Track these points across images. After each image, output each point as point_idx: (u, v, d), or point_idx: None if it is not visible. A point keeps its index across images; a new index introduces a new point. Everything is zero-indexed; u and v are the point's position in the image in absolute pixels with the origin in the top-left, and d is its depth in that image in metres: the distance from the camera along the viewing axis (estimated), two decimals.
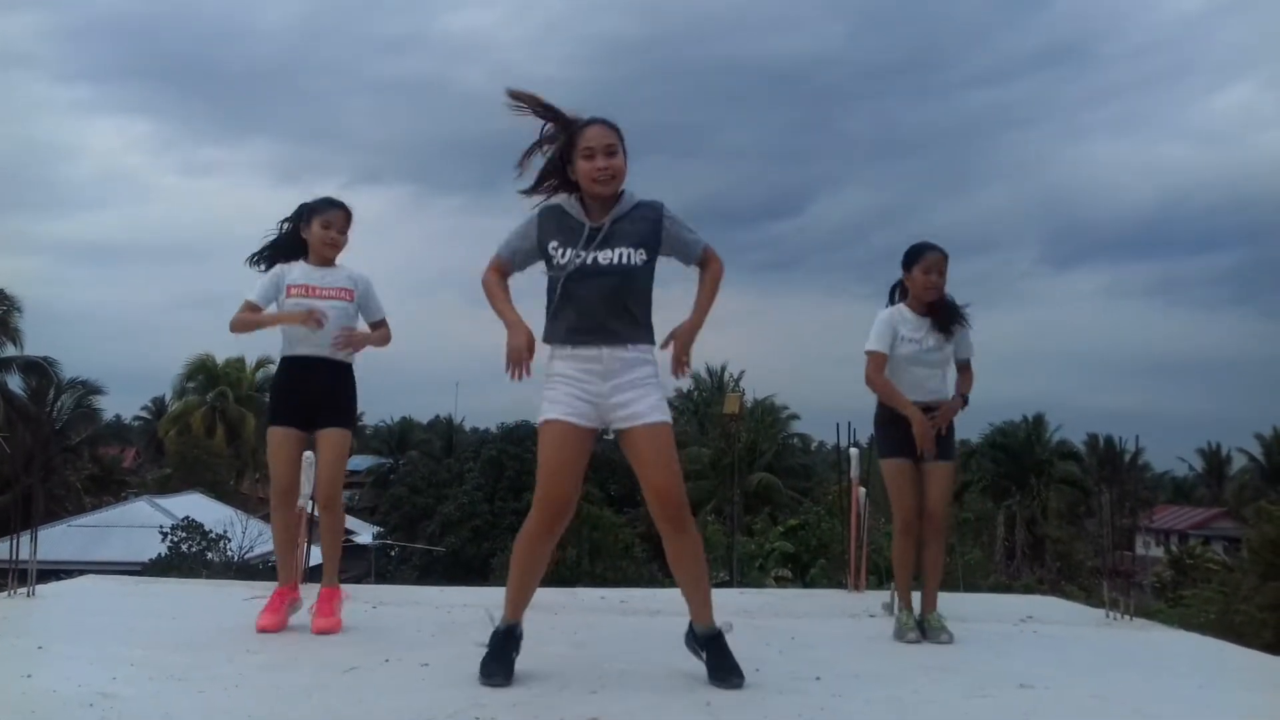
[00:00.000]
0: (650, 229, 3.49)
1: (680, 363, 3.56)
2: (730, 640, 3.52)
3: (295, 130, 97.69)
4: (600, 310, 3.42)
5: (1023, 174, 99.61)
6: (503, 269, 3.60)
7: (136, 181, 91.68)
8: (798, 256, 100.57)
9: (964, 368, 4.81)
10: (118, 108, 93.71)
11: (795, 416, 42.48)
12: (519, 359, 3.41)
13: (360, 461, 54.95)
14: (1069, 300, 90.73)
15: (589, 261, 3.42)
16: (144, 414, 47.94)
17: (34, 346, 29.49)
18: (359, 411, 4.77)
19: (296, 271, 4.50)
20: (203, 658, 3.75)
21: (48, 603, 5.04)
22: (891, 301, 4.82)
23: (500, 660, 3.45)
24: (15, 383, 29.29)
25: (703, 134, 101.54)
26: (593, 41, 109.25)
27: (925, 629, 4.60)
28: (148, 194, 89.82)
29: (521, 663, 3.60)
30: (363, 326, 4.60)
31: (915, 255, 4.65)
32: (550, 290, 3.53)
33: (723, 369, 41.20)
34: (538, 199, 3.59)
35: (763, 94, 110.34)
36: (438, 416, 51.60)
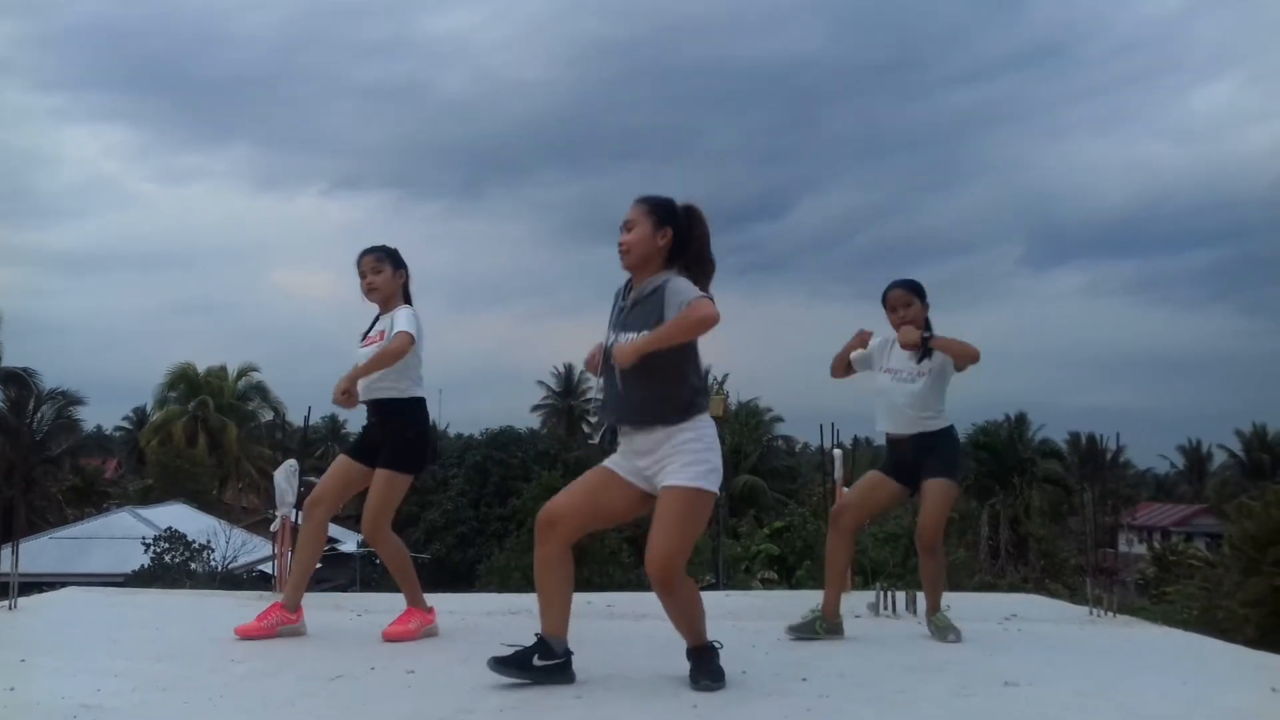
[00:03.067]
0: (656, 307, 3.44)
1: (622, 354, 3.40)
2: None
3: (275, 136, 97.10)
4: (621, 392, 3.47)
5: (1005, 174, 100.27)
6: None
7: (115, 189, 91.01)
8: (781, 258, 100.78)
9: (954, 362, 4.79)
10: (95, 115, 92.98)
11: (779, 419, 42.67)
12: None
13: None
14: (1050, 299, 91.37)
15: (610, 344, 3.52)
16: (125, 424, 47.67)
17: (13, 358, 29.35)
18: (425, 446, 4.63)
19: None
20: (187, 668, 3.73)
21: (30, 615, 5.00)
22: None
23: (508, 665, 3.49)
24: None
25: (685, 137, 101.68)
26: (574, 43, 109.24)
27: (932, 629, 4.66)
28: (126, 202, 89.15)
29: None
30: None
31: (883, 299, 4.80)
32: None
33: (706, 372, 41.26)
34: None
35: (745, 96, 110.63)
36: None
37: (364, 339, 4.60)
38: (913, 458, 4.68)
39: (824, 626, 4.61)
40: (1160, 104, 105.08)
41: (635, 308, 3.50)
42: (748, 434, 35.42)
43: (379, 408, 4.50)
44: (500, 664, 3.44)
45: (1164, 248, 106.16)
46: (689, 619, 3.54)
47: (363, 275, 4.57)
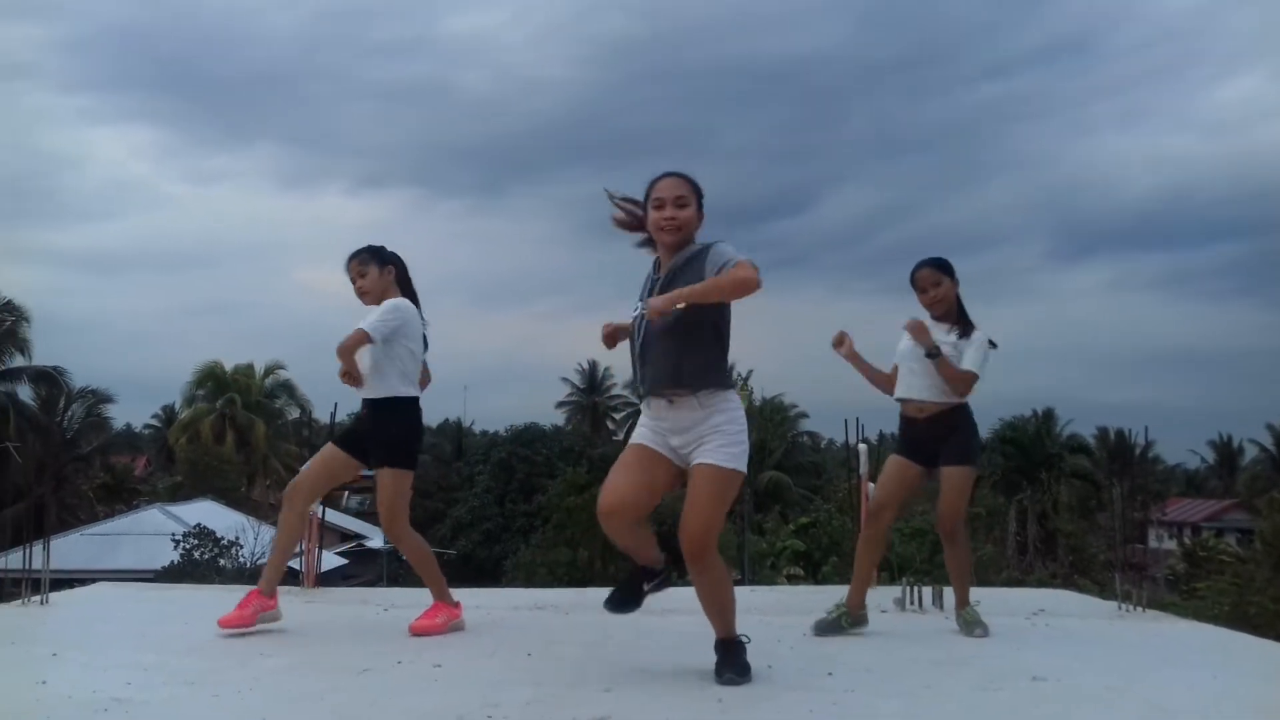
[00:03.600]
0: (698, 272, 3.43)
1: (658, 302, 3.41)
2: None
3: (299, 136, 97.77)
4: (659, 359, 3.48)
5: (1029, 169, 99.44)
6: None
7: (142, 190, 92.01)
8: (803, 255, 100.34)
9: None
10: (121, 116, 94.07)
11: (804, 415, 42.48)
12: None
13: None
14: (1076, 294, 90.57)
15: (643, 315, 3.49)
16: (154, 422, 48.07)
17: (43, 356, 29.55)
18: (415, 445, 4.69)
19: None
20: (216, 662, 3.77)
21: (61, 610, 5.06)
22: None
23: (618, 593, 3.80)
24: (25, 393, 29.34)
25: (705, 134, 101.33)
26: (594, 42, 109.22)
27: (960, 624, 4.64)
28: (153, 202, 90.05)
29: (533, 662, 3.60)
30: (383, 354, 4.48)
31: (910, 280, 4.76)
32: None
33: (731, 368, 41.20)
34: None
35: (765, 93, 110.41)
36: (446, 420, 51.53)
37: None
38: (930, 436, 4.64)
39: (849, 620, 4.60)
40: (1186, 97, 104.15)
41: (677, 273, 3.48)
42: (772, 430, 35.30)
43: (370, 405, 4.52)
44: (616, 603, 3.73)
45: (1190, 241, 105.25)
46: (721, 603, 3.55)
47: (352, 281, 4.61)
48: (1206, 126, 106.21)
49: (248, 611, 4.34)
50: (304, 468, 4.64)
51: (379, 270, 4.59)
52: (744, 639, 3.59)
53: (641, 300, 3.56)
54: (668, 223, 3.49)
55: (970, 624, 4.58)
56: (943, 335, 4.64)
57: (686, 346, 3.44)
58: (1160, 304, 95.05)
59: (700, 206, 3.56)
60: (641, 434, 3.59)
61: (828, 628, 4.56)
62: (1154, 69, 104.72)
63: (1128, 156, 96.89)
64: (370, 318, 4.41)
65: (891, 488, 4.76)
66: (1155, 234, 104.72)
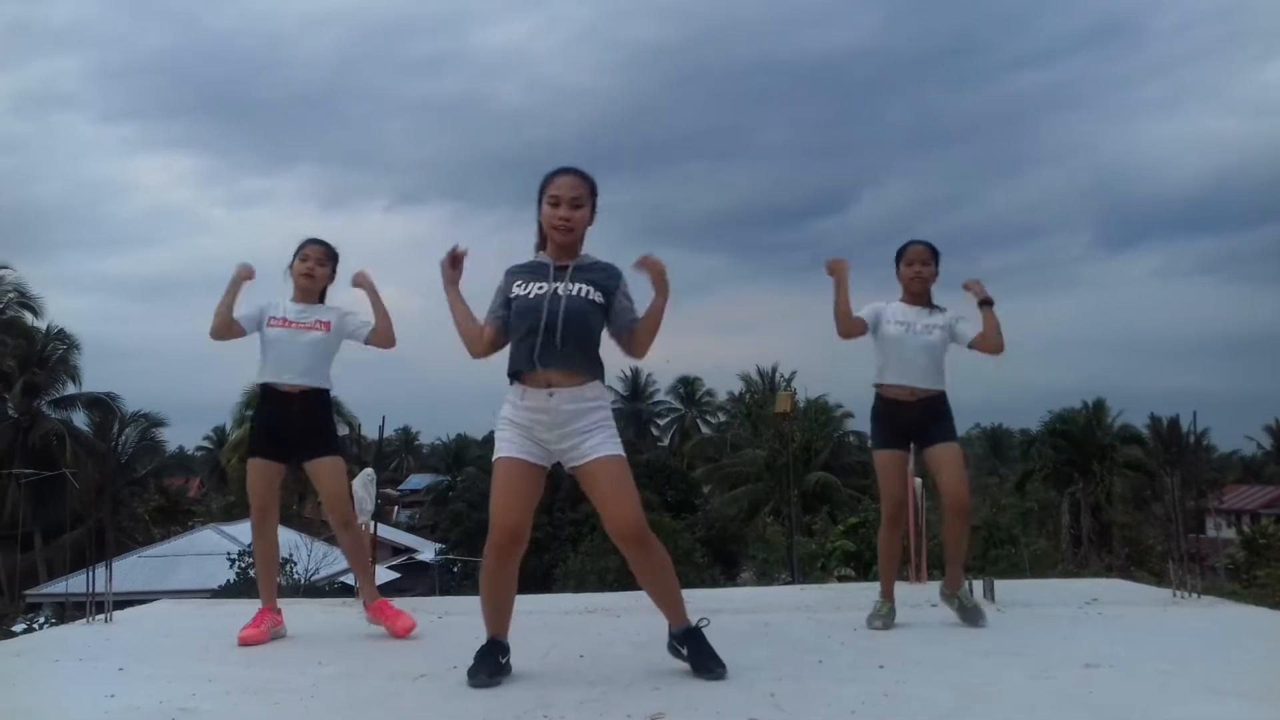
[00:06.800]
0: (608, 284, 3.58)
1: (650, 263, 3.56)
2: (710, 633, 3.62)
3: (337, 155, 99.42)
4: (559, 336, 3.47)
5: (1072, 157, 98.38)
6: (494, 333, 3.68)
7: (185, 215, 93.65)
8: (844, 252, 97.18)
9: (982, 336, 4.76)
10: (163, 144, 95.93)
11: (850, 414, 42.16)
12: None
13: (419, 480, 55.50)
14: (1124, 282, 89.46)
15: (555, 292, 3.51)
16: (206, 444, 48.84)
17: (93, 383, 30.20)
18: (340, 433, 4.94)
19: (281, 306, 4.72)
20: (276, 671, 3.85)
21: (125, 627, 5.18)
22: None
23: (483, 664, 3.56)
24: (80, 419, 30.02)
25: (740, 135, 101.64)
26: (624, 48, 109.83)
27: (960, 610, 4.63)
28: (197, 227, 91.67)
29: (586, 664, 3.64)
30: (334, 348, 4.76)
31: (900, 252, 4.82)
32: (512, 324, 3.60)
33: (774, 370, 40.95)
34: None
35: (799, 91, 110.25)
36: (492, 432, 51.82)
37: (287, 322, 4.68)
38: (919, 419, 4.68)
39: (888, 608, 4.65)
40: (1231, 78, 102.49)
41: (579, 270, 3.55)
42: (818, 430, 35.05)
43: (306, 399, 4.64)
44: (474, 673, 3.55)
45: (1238, 224, 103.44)
46: (669, 588, 3.61)
47: (306, 260, 4.71)
48: (1253, 107, 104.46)
49: (263, 628, 4.55)
50: (259, 492, 4.72)
51: (330, 274, 4.80)
52: (704, 622, 3.63)
53: (551, 280, 3.52)
54: (561, 222, 3.53)
55: (972, 610, 4.62)
56: (925, 316, 4.72)
57: (591, 338, 3.55)
58: (1210, 288, 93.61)
59: (594, 207, 3.61)
60: (510, 441, 3.56)
61: (882, 619, 4.59)
62: (1197, 50, 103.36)
63: (1172, 141, 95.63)
64: (357, 319, 4.74)
65: (899, 484, 4.81)
66: (1202, 218, 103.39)
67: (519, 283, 3.59)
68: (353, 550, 4.87)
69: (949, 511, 4.71)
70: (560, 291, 3.50)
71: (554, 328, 3.46)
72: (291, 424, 4.63)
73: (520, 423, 3.55)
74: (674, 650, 3.65)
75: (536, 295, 3.52)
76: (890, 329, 4.72)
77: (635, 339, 3.63)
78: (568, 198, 3.53)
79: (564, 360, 3.48)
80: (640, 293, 3.64)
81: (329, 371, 4.75)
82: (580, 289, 3.52)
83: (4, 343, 27.91)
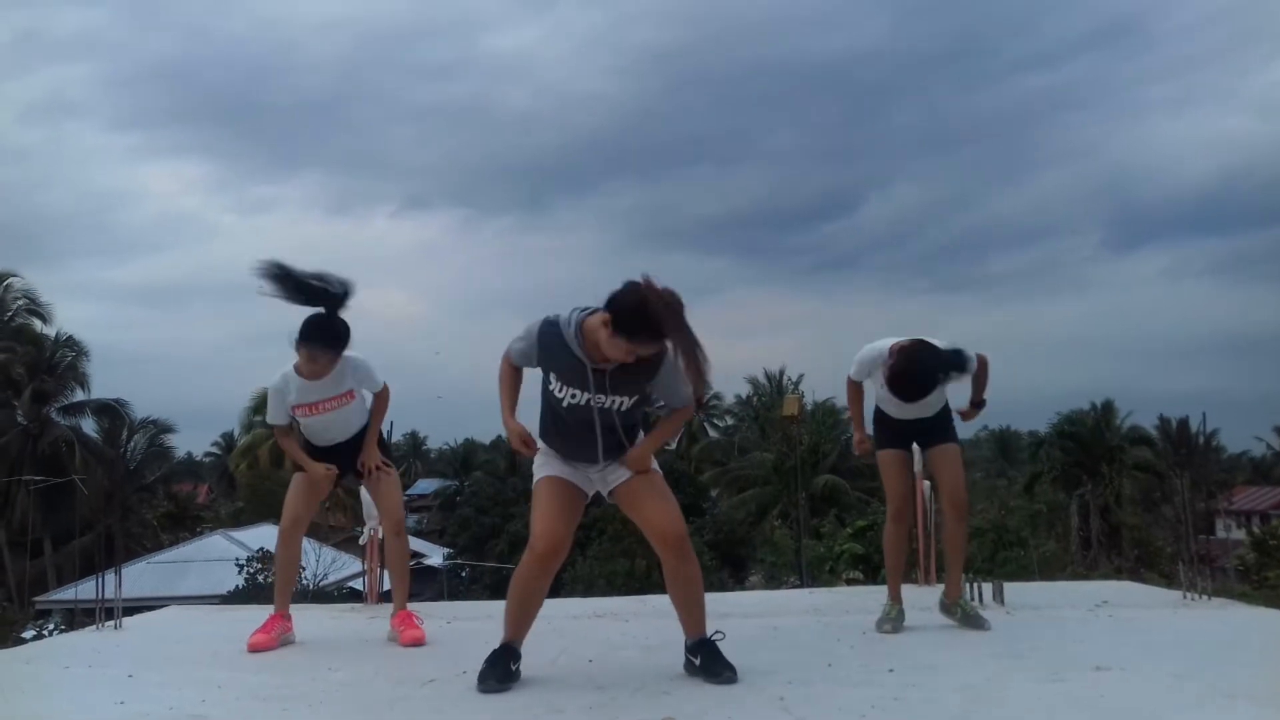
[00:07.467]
0: (647, 374, 3.50)
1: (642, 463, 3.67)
2: (724, 643, 3.65)
3: (344, 161, 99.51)
4: (592, 442, 3.60)
5: (1080, 158, 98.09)
6: (514, 365, 3.75)
7: (194, 222, 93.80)
8: (852, 255, 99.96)
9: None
10: (171, 151, 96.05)
11: None
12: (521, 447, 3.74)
13: (426, 485, 55.48)
14: (1133, 283, 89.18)
15: (589, 404, 3.53)
16: (214, 450, 48.90)
17: (102, 389, 30.25)
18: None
19: (294, 391, 4.55)
20: (285, 677, 3.85)
21: (135, 634, 5.18)
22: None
23: (494, 669, 3.57)
24: (89, 426, 30.09)
25: (747, 139, 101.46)
26: (632, 52, 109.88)
27: (963, 619, 4.60)
28: (205, 234, 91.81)
29: (595, 668, 3.64)
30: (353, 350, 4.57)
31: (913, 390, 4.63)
32: (545, 406, 3.67)
33: (781, 373, 40.93)
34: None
35: (805, 94, 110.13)
36: (499, 437, 51.57)
37: (310, 408, 4.58)
38: (914, 424, 4.71)
39: (896, 611, 4.64)
40: (1239, 78, 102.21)
41: (620, 373, 3.47)
42: (825, 433, 35.01)
43: (353, 443, 4.76)
44: (484, 678, 3.56)
45: (1248, 225, 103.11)
46: (697, 598, 3.66)
47: (321, 366, 4.45)
48: (1262, 107, 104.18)
49: (274, 634, 4.54)
50: (291, 504, 4.76)
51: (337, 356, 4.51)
52: (719, 635, 3.67)
53: (592, 390, 3.49)
54: (622, 359, 3.39)
55: (974, 617, 4.59)
56: (933, 398, 4.58)
57: (634, 428, 3.70)
58: (1219, 289, 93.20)
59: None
60: (553, 466, 3.68)
61: (892, 623, 4.58)
62: (1205, 51, 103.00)
63: (1181, 141, 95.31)
64: (370, 378, 4.69)
65: (901, 481, 4.84)
66: (1211, 219, 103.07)
67: (554, 375, 3.57)
68: (401, 557, 4.91)
69: (948, 512, 4.71)
70: (609, 406, 3.54)
71: (612, 427, 3.58)
72: (349, 455, 4.76)
73: (565, 460, 3.70)
74: (689, 665, 3.66)
75: (585, 404, 3.53)
76: (886, 395, 4.62)
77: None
78: (648, 355, 3.39)
79: (612, 455, 3.64)
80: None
81: (365, 408, 4.78)
82: (616, 402, 3.53)
83: (13, 350, 27.99)
